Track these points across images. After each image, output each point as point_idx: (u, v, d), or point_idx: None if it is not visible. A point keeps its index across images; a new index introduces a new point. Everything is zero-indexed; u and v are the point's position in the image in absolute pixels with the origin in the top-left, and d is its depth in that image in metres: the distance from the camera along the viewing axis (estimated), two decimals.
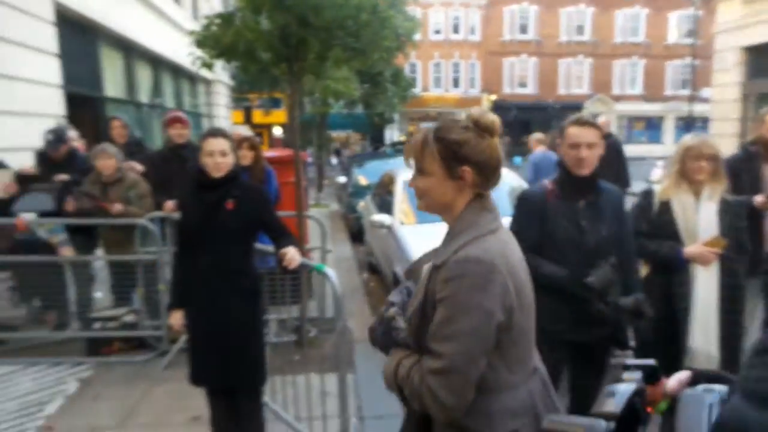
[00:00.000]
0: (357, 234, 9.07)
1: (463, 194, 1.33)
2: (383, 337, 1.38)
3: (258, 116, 22.87)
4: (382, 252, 5.89)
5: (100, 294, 4.62)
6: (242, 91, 19.34)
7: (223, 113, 16.21)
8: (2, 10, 5.00)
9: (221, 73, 14.86)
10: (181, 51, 12.14)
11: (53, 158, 4.38)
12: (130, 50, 9.53)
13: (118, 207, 3.97)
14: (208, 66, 4.03)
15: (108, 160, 4.05)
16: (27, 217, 3.96)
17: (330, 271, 2.50)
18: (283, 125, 26.26)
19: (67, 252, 4.19)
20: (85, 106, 7.71)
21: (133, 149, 4.93)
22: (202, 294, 2.49)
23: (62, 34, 6.13)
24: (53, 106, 5.94)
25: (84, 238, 4.29)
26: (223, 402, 2.68)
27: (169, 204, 4.11)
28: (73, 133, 4.67)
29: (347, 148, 31.25)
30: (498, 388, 1.28)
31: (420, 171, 1.35)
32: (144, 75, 10.51)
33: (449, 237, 1.32)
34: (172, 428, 3.19)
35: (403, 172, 6.29)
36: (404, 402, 1.34)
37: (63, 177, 4.19)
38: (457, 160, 1.29)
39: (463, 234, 1.29)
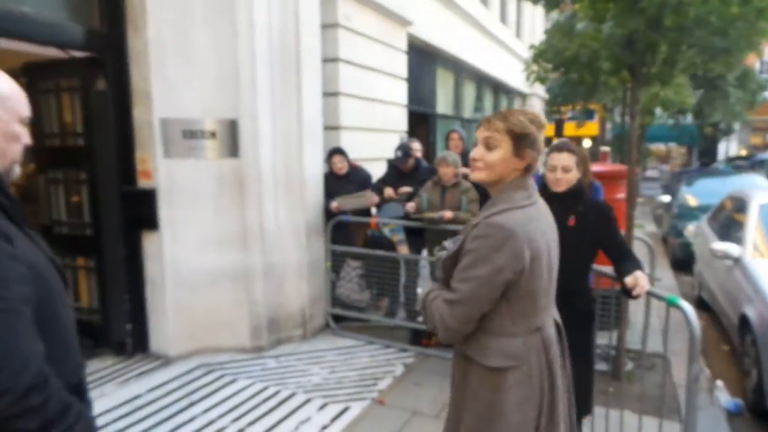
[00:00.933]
0: (681, 261, 7.93)
1: (513, 172, 1.62)
2: (432, 274, 1.71)
3: (569, 129, 22.32)
4: (720, 287, 4.97)
5: (421, 290, 5.13)
6: (555, 104, 19.10)
7: None
8: (369, 44, 6.03)
9: (538, 87, 14.94)
10: (503, 67, 12.77)
11: (402, 170, 5.08)
12: (459, 70, 10.40)
13: (448, 215, 4.32)
14: (542, 80, 4.04)
15: (447, 168, 4.47)
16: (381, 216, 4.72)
17: (687, 306, 2.17)
18: (593, 138, 24.98)
19: (404, 250, 4.79)
20: (421, 122, 8.75)
21: (467, 160, 5.33)
22: None
23: (410, 60, 7.06)
24: (400, 123, 6.90)
25: (417, 238, 4.85)
26: None
27: None
28: (417, 145, 5.32)
29: (667, 164, 27.78)
30: (499, 332, 1.60)
31: (490, 146, 1.60)
32: (468, 92, 11.33)
33: (489, 204, 1.62)
34: None
35: (758, 194, 5.19)
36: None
37: (407, 189, 4.79)
38: (526, 144, 1.59)
39: (499, 204, 1.59)
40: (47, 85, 4.28)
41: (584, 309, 2.47)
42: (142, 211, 4.10)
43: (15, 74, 4.68)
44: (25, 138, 1.31)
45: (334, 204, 4.75)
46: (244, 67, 4.07)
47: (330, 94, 5.41)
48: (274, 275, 4.45)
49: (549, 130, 21.58)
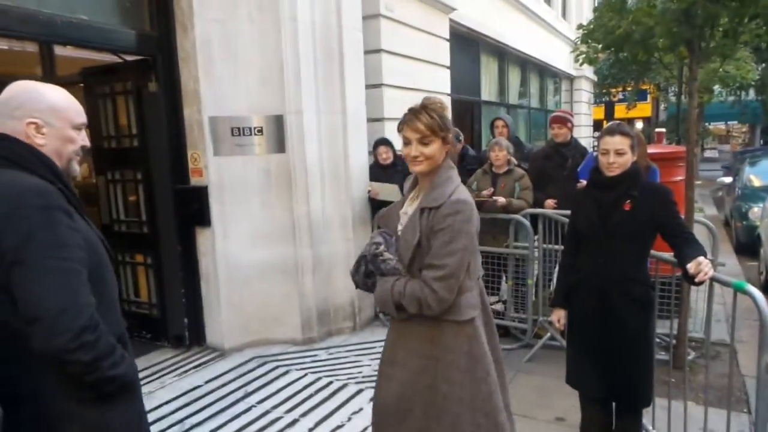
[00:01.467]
0: (745, 245, 7.53)
1: (443, 154, 1.86)
2: (369, 271, 1.87)
3: (620, 111, 21.51)
4: None
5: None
6: (604, 86, 18.44)
7: (585, 110, 15.78)
8: (412, 33, 5.97)
9: (586, 68, 14.46)
10: (549, 50, 12.42)
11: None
12: (503, 55, 10.18)
13: (501, 201, 4.25)
14: (592, 61, 3.89)
15: (500, 152, 4.40)
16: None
17: (756, 292, 2.05)
18: (646, 119, 23.98)
19: None
20: (465, 109, 8.62)
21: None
22: (590, 298, 2.41)
23: (452, 48, 6.95)
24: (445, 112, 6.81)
25: None
26: (599, 412, 2.55)
27: (550, 201, 4.29)
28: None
29: (727, 143, 26.37)
30: (464, 290, 1.82)
31: (425, 141, 1.80)
32: (513, 77, 11.08)
33: (434, 186, 1.84)
34: (536, 423, 3.23)
35: None
36: (398, 312, 1.83)
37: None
38: (445, 129, 1.82)
39: (447, 184, 1.83)
40: (103, 89, 4.46)
41: (643, 296, 2.36)
42: (194, 208, 4.22)
43: (73, 80, 4.92)
44: (82, 140, 1.54)
45: (369, 188, 4.73)
46: (288, 62, 4.11)
47: (373, 86, 5.39)
48: (323, 268, 4.50)
49: (599, 112, 20.89)
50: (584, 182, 4.23)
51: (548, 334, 4.12)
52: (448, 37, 6.78)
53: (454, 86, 7.17)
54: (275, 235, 4.32)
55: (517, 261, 4.36)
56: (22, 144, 1.42)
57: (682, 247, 2.22)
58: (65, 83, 5.25)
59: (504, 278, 4.54)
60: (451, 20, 6.94)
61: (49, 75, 5.38)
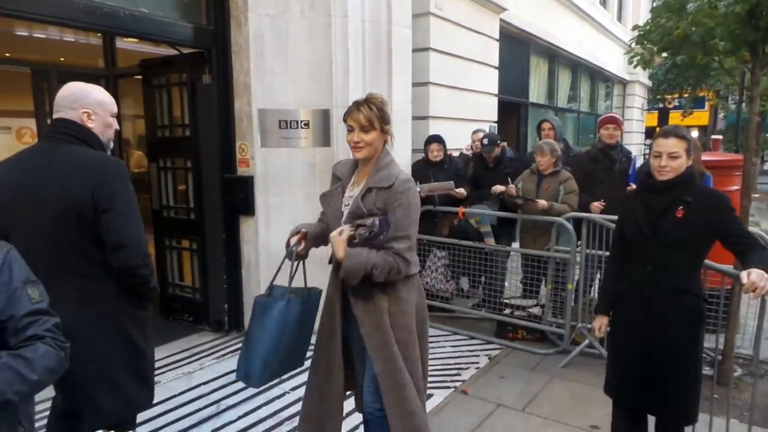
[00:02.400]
0: None
1: (381, 143, 2.15)
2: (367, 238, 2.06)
3: (675, 118, 20.73)
4: None
5: (508, 284, 5.02)
6: (659, 92, 17.83)
7: (637, 116, 15.29)
8: (460, 32, 5.95)
9: (640, 73, 14.01)
10: (602, 53, 12.10)
11: (487, 159, 5.02)
12: (554, 57, 9.99)
13: (543, 203, 4.19)
14: (647, 64, 3.78)
15: (543, 156, 4.34)
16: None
17: None
18: (702, 128, 23.01)
19: (490, 242, 4.72)
20: (512, 111, 8.51)
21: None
22: (636, 307, 2.31)
23: (501, 48, 6.88)
24: (490, 112, 6.77)
25: (507, 229, 4.76)
26: (633, 425, 2.48)
27: (596, 204, 4.21)
28: (478, 134, 5.32)
29: None
30: (412, 247, 2.17)
31: (365, 129, 2.08)
32: (563, 80, 10.86)
33: (378, 169, 2.13)
34: (569, 430, 3.17)
35: None
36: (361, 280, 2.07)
37: (499, 188, 4.67)
38: (383, 121, 2.11)
39: (391, 166, 2.13)
40: (159, 80, 4.65)
41: (694, 308, 2.25)
42: (239, 198, 4.35)
43: (133, 71, 5.14)
44: (115, 125, 2.14)
45: (419, 189, 4.77)
46: (337, 58, 4.17)
47: (420, 84, 5.41)
48: None
49: (652, 119, 20.21)
50: (634, 186, 4.14)
51: (586, 341, 4.03)
52: (497, 37, 6.72)
53: (502, 87, 7.10)
54: None
55: (557, 265, 4.29)
56: (82, 126, 2.01)
57: (746, 254, 2.06)
58: (125, 74, 5.52)
59: (543, 282, 4.47)
60: (501, 20, 6.88)
61: (110, 66, 5.64)
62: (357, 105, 2.11)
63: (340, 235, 2.07)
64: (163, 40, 4.06)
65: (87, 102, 2.01)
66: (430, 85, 5.56)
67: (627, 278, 2.37)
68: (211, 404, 3.40)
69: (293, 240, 2.29)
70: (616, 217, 3.77)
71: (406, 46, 4.66)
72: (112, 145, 2.16)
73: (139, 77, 4.92)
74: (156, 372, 3.77)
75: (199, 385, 3.63)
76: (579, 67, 11.48)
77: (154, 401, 3.34)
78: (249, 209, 4.32)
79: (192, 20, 4.09)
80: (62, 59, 6.09)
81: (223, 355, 4.14)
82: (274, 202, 4.34)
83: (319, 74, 4.20)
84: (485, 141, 4.95)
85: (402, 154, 4.71)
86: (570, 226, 4.09)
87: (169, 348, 4.20)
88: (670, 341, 2.24)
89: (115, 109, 2.11)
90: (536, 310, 4.52)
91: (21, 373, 1.28)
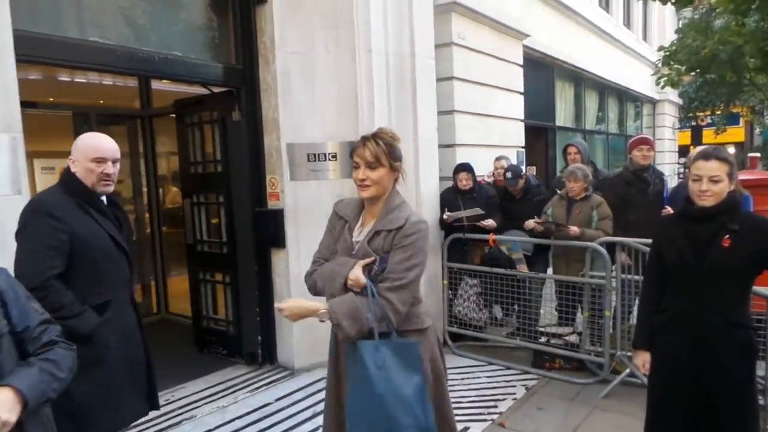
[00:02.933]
0: None
1: (390, 184, 2.00)
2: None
3: (708, 136, 20.25)
4: None
5: (543, 311, 4.91)
6: (690, 110, 17.48)
7: (669, 135, 15.01)
8: (484, 60, 6.00)
9: (670, 92, 13.81)
10: (629, 74, 12.00)
11: (512, 192, 4.96)
12: (579, 79, 9.95)
13: (574, 230, 4.12)
14: (674, 84, 3.73)
15: (576, 183, 4.28)
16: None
17: None
18: (739, 144, 22.39)
19: (523, 269, 4.64)
20: (539, 136, 8.48)
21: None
22: (681, 343, 2.17)
23: (526, 73, 6.89)
24: (517, 138, 6.75)
25: (540, 256, 4.68)
26: None
27: (530, 222, 4.30)
28: (504, 163, 5.24)
29: None
30: (419, 299, 2.02)
31: (372, 166, 1.93)
32: (590, 102, 10.79)
33: (389, 211, 1.97)
34: None
35: None
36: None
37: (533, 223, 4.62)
38: (395, 157, 1.97)
39: (403, 207, 1.98)
40: (192, 119, 4.81)
41: (746, 342, 2.11)
42: (270, 231, 4.41)
43: (167, 111, 5.34)
44: (99, 169, 2.29)
45: (447, 215, 4.74)
46: (362, 91, 4.25)
47: (445, 112, 5.45)
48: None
49: (684, 138, 19.80)
50: (669, 209, 4.04)
51: (627, 370, 3.89)
52: (521, 62, 6.74)
53: (528, 112, 7.09)
54: None
55: (593, 291, 4.18)
56: (68, 172, 2.29)
57: None
58: (160, 114, 5.73)
59: (579, 308, 4.36)
60: (524, 46, 6.91)
61: (146, 107, 5.87)
62: (364, 140, 1.96)
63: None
64: (195, 80, 4.22)
65: (73, 150, 2.30)
66: (455, 113, 5.60)
67: (667, 311, 2.23)
68: None
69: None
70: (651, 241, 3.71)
71: (430, 77, 4.72)
72: (105, 188, 2.32)
73: (173, 116, 5.10)
74: (191, 406, 3.81)
75: (233, 419, 3.63)
76: (606, 89, 11.38)
77: None
78: (280, 242, 4.37)
79: (222, 60, 4.23)
80: (101, 102, 6.37)
81: (257, 387, 4.14)
82: (305, 234, 4.38)
83: (346, 107, 4.28)
84: (508, 175, 4.87)
85: (428, 182, 4.72)
86: (604, 251, 4.00)
87: (204, 381, 4.23)
88: (724, 380, 2.10)
89: (97, 154, 2.27)
90: (573, 338, 4.40)
91: (53, 373, 1.50)
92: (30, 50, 2.93)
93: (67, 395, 1.86)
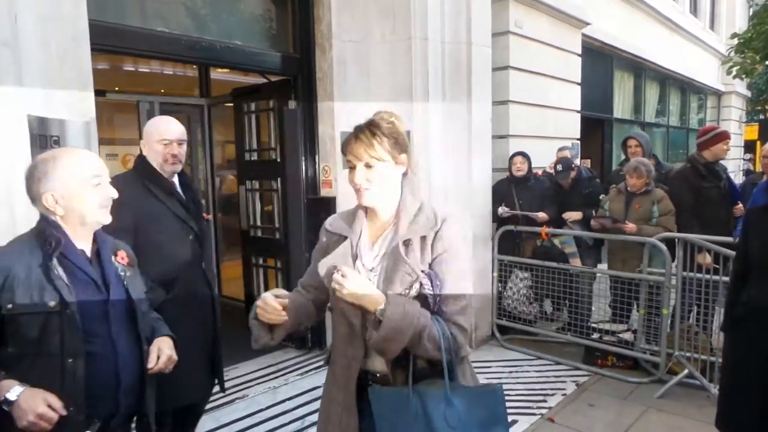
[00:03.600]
0: None
1: (398, 180, 1.55)
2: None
3: None
4: None
5: (595, 307, 4.79)
6: (760, 102, 16.50)
7: (735, 128, 14.26)
8: (541, 49, 5.85)
9: (737, 83, 13.09)
10: (693, 64, 11.45)
11: (563, 185, 4.86)
12: (640, 70, 9.58)
13: (631, 227, 3.99)
14: (748, 72, 3.53)
15: (638, 179, 4.14)
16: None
17: None
18: None
19: (576, 262, 4.54)
20: (595, 127, 8.22)
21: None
22: (762, 335, 2.12)
23: (584, 63, 6.69)
24: (572, 129, 6.58)
25: (593, 251, 4.56)
26: None
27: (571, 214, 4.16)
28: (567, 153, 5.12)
29: None
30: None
31: (370, 165, 1.49)
32: (651, 93, 10.36)
33: (409, 216, 1.51)
34: None
35: None
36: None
37: (574, 216, 4.57)
38: (399, 147, 1.53)
39: (426, 209, 1.54)
40: (249, 107, 4.92)
41: None
42: (322, 218, 4.43)
43: (225, 99, 5.48)
44: (166, 150, 2.47)
45: (502, 211, 4.69)
46: (417, 80, 4.23)
47: (500, 102, 5.36)
48: None
49: (752, 132, 18.71)
50: (741, 206, 3.85)
51: (685, 371, 3.75)
52: (579, 52, 6.55)
53: (585, 103, 6.89)
54: None
55: (650, 288, 4.04)
56: (140, 155, 2.50)
57: None
58: (218, 102, 5.90)
59: (635, 306, 4.23)
60: (583, 35, 6.70)
61: (205, 95, 6.05)
62: (356, 132, 1.53)
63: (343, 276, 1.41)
64: (254, 69, 4.31)
65: (143, 134, 2.50)
66: (510, 103, 5.50)
67: (749, 303, 2.19)
68: (296, 419, 3.48)
69: (269, 311, 1.56)
70: (715, 238, 3.55)
71: (486, 66, 4.65)
72: (172, 167, 2.47)
73: (230, 105, 5.24)
74: (244, 386, 3.95)
75: (284, 401, 3.73)
76: (668, 80, 10.90)
77: (243, 414, 3.50)
78: None
79: (280, 49, 4.31)
80: (162, 91, 6.61)
81: (307, 371, 4.24)
82: None
83: (400, 96, 4.27)
84: (559, 167, 4.80)
85: (482, 173, 4.67)
86: (663, 247, 3.85)
87: (255, 363, 4.36)
88: None
89: (162, 135, 2.43)
90: (627, 336, 4.28)
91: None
92: (102, 39, 3.07)
93: None
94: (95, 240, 1.71)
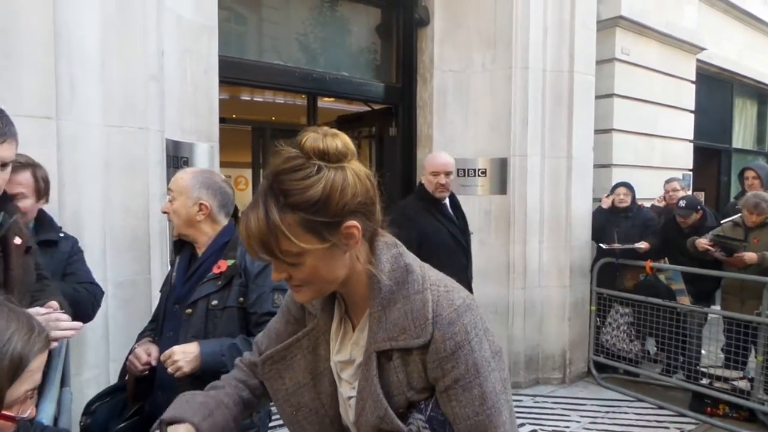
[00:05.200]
0: None
1: (345, 257, 0.93)
2: None
3: None
4: None
5: (705, 351, 4.45)
6: None
7: None
8: (649, 76, 5.64)
9: None
10: None
11: (682, 224, 4.40)
12: (764, 96, 8.85)
13: (751, 256, 3.69)
14: None
15: (758, 217, 3.85)
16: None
17: None
18: None
19: (684, 301, 4.26)
20: (711, 158, 7.70)
21: None
22: None
23: (699, 90, 6.33)
24: (685, 160, 6.22)
25: (707, 286, 4.24)
26: None
27: (702, 242, 3.87)
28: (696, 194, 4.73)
29: None
30: None
31: (290, 262, 0.90)
32: None
33: (384, 306, 0.93)
34: None
35: None
36: None
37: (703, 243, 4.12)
38: (327, 223, 0.88)
39: (405, 291, 0.94)
40: (352, 134, 5.19)
41: None
42: None
43: (331, 127, 5.83)
44: (437, 180, 3.11)
45: (605, 246, 4.50)
46: (516, 108, 4.26)
47: (603, 131, 5.22)
48: (535, 313, 4.43)
49: None
50: None
51: None
52: (693, 78, 6.21)
53: (699, 132, 6.49)
54: (490, 274, 4.41)
55: None
56: (420, 182, 3.20)
57: None
58: None
59: (752, 352, 3.88)
60: (698, 60, 6.35)
61: (312, 123, 6.46)
62: (246, 214, 0.89)
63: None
64: (359, 98, 4.58)
65: (422, 166, 3.05)
66: (613, 131, 5.33)
67: None
68: None
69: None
70: None
71: (588, 94, 4.57)
72: (441, 194, 3.02)
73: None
74: None
75: None
76: None
77: None
78: None
79: (383, 80, 4.54)
80: (273, 118, 7.16)
81: None
82: None
83: (498, 124, 4.32)
84: (682, 203, 4.37)
85: (581, 203, 4.55)
86: None
87: None
88: None
89: (432, 168, 2.99)
90: (743, 384, 3.92)
91: (241, 352, 1.53)
92: (226, 72, 3.44)
93: None
94: None
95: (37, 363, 0.95)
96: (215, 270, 1.74)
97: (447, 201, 3.15)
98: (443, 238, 2.95)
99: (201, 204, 1.78)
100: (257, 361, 1.09)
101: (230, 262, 1.75)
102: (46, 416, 1.33)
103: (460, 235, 3.05)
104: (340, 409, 1.04)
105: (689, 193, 5.46)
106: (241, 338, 1.70)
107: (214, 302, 1.71)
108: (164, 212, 1.87)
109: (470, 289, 2.99)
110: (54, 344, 1.34)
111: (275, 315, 1.19)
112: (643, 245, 4.37)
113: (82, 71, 2.36)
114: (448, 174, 3.05)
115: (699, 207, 4.44)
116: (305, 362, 1.04)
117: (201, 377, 1.56)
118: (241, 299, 1.72)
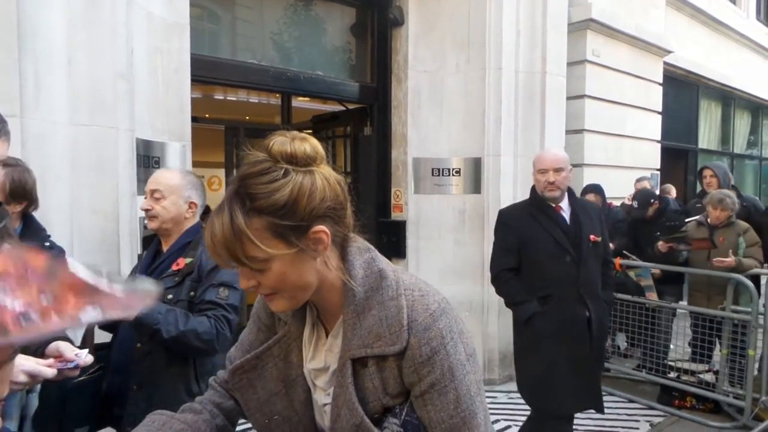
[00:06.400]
0: None
1: (313, 264, 0.90)
2: None
3: None
4: None
5: (674, 345, 4.56)
6: None
7: None
8: (619, 78, 5.76)
9: None
10: None
11: (643, 218, 4.62)
12: (728, 99, 9.13)
13: (730, 261, 3.78)
14: None
15: (722, 212, 3.96)
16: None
17: None
18: None
19: (652, 296, 4.36)
20: (678, 158, 7.90)
21: None
22: None
23: (666, 92, 6.50)
24: (652, 160, 6.37)
25: (674, 287, 4.36)
26: None
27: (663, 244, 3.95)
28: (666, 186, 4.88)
29: None
30: None
31: (257, 268, 0.86)
32: (741, 123, 9.82)
33: (358, 312, 0.91)
34: None
35: None
36: None
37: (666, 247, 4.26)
38: (296, 225, 0.85)
39: (379, 296, 0.92)
40: (327, 133, 5.18)
41: None
42: (392, 241, 4.60)
43: (305, 126, 5.80)
44: (542, 178, 2.75)
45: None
46: (490, 108, 4.31)
47: (574, 131, 5.32)
48: (509, 311, 4.46)
49: None
50: None
51: None
52: (660, 80, 6.37)
53: (666, 132, 6.66)
54: (465, 273, 4.46)
55: (735, 327, 3.82)
56: (533, 185, 2.84)
57: None
58: (298, 129, 6.23)
59: (717, 345, 4.00)
60: (665, 63, 6.52)
61: (286, 122, 6.41)
62: (210, 222, 0.86)
63: None
64: (334, 98, 4.57)
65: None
66: (585, 132, 5.44)
67: None
68: None
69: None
70: None
71: (560, 95, 4.65)
72: (551, 194, 2.66)
73: (309, 131, 5.54)
74: None
75: None
76: (761, 109, 10.28)
77: None
78: (401, 252, 4.55)
79: (358, 79, 4.54)
80: (247, 117, 7.09)
81: None
82: (424, 246, 4.52)
83: (472, 124, 4.36)
84: (635, 204, 4.59)
85: None
86: (750, 284, 3.64)
87: None
88: None
89: (539, 165, 2.70)
90: (709, 377, 4.03)
91: (176, 320, 1.68)
92: (198, 71, 3.39)
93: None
94: None
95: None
96: (174, 267, 1.84)
97: (566, 204, 2.72)
98: (543, 245, 2.61)
99: (191, 203, 1.89)
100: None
101: (188, 260, 1.84)
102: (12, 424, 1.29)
103: (568, 242, 2.59)
104: (315, 416, 1.03)
105: (657, 191, 5.59)
106: (180, 310, 1.77)
107: (170, 296, 1.80)
108: (145, 209, 1.87)
109: (583, 305, 2.60)
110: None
111: (217, 305, 1.69)
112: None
113: (48, 68, 2.30)
114: (558, 171, 2.64)
115: (652, 200, 4.61)
116: (277, 370, 1.01)
117: (151, 353, 1.75)
118: (192, 294, 1.81)
